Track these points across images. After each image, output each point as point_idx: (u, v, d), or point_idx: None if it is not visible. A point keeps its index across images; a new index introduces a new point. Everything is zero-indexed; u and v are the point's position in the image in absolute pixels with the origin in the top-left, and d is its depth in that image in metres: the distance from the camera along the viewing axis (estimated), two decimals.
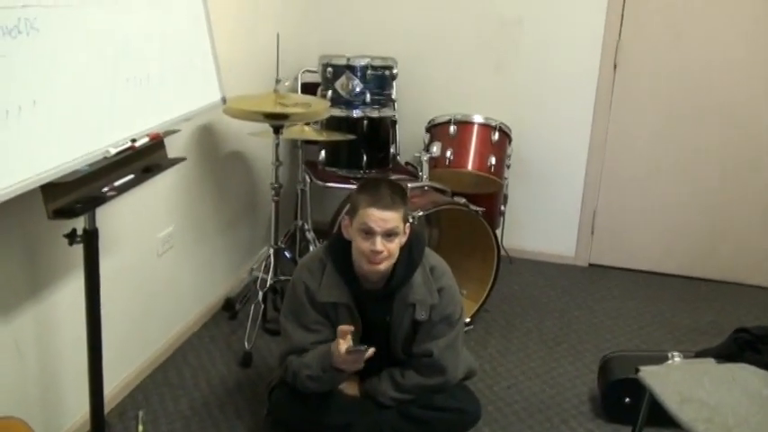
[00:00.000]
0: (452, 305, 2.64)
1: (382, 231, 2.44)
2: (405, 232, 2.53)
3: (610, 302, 4.05)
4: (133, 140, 2.26)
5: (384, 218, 2.43)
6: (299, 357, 2.56)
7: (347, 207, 2.60)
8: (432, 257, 2.68)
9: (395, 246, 2.48)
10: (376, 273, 2.51)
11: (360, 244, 2.48)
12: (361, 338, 2.61)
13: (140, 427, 2.80)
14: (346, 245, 2.55)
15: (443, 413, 2.62)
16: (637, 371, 2.32)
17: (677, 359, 2.72)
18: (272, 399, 2.70)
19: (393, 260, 2.52)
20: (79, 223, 2.21)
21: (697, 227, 4.33)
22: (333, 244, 2.61)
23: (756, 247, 4.27)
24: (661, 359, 2.77)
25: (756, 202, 4.21)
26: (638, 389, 2.38)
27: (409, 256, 2.58)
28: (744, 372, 2.29)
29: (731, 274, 4.33)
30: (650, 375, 2.28)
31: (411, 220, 2.59)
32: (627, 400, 2.92)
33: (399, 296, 2.59)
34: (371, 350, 2.40)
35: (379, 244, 2.44)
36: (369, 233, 2.45)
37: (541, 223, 4.52)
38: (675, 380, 2.25)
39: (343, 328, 2.42)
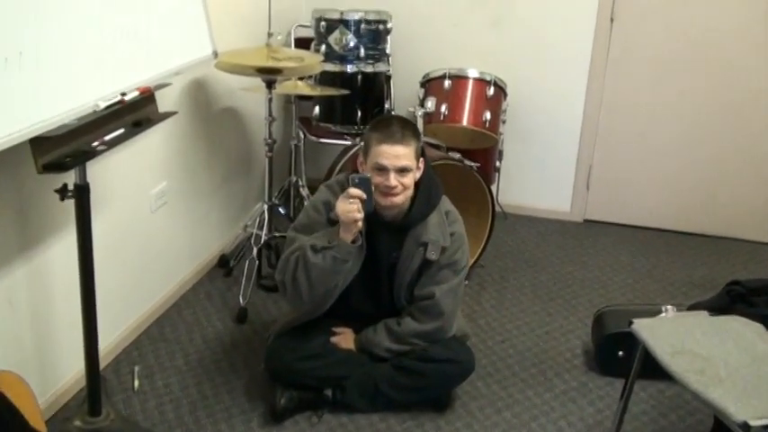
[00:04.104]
0: (461, 252, 2.68)
1: (394, 168, 2.48)
2: (419, 167, 2.58)
3: (604, 257, 4.05)
4: (123, 94, 2.23)
5: (396, 153, 2.47)
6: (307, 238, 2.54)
7: (361, 146, 2.62)
8: (447, 203, 2.72)
9: (408, 180, 2.52)
10: (392, 206, 2.54)
11: (374, 180, 2.50)
12: (367, 279, 2.63)
13: (136, 382, 2.82)
14: None
15: (437, 364, 2.64)
16: (630, 324, 2.32)
17: (670, 312, 2.73)
18: (269, 350, 2.72)
19: (409, 193, 2.56)
20: (70, 178, 2.19)
21: (692, 182, 4.31)
22: (354, 172, 2.61)
23: (750, 202, 4.26)
24: (654, 312, 2.78)
25: (751, 159, 4.19)
26: (631, 342, 2.39)
27: (428, 197, 2.63)
28: (736, 324, 2.30)
29: (725, 229, 4.33)
30: (643, 328, 2.28)
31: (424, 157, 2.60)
32: (620, 353, 2.94)
33: (412, 234, 2.62)
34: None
35: (393, 179, 2.49)
36: (382, 170, 2.48)
37: (537, 179, 4.51)
38: (668, 332, 2.25)
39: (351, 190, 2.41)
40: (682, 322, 2.34)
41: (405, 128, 2.53)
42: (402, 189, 2.52)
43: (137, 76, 2.35)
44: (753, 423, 1.84)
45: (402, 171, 2.50)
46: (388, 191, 2.50)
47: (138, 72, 2.36)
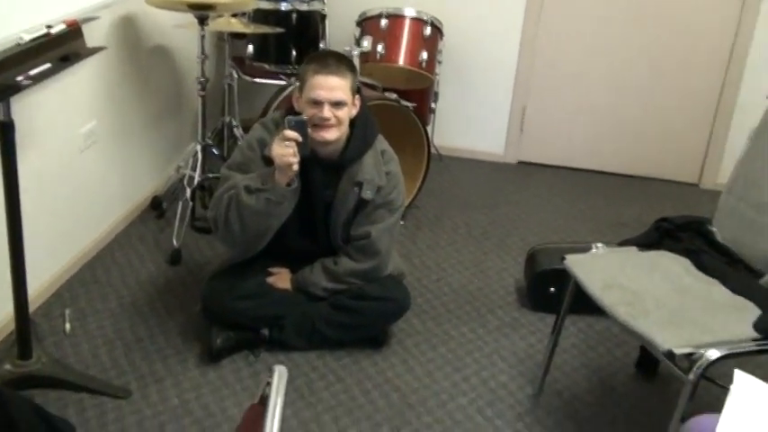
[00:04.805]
0: (396, 192, 2.69)
1: (329, 100, 2.46)
2: (354, 104, 2.57)
3: (537, 198, 4.12)
4: (49, 27, 2.15)
5: (331, 85, 2.45)
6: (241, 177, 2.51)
7: (296, 85, 2.60)
8: (383, 143, 2.71)
9: (343, 114, 2.51)
10: (325, 141, 2.51)
11: (308, 112, 2.48)
12: (303, 218, 2.62)
13: (67, 325, 2.77)
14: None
15: (374, 302, 2.67)
16: (563, 259, 2.38)
17: (601, 249, 2.79)
18: (205, 291, 2.70)
19: (343, 129, 2.54)
20: None
21: (623, 125, 4.39)
22: (289, 110, 2.60)
23: (679, 145, 4.37)
24: (585, 250, 2.83)
25: (680, 103, 4.28)
26: (562, 279, 2.46)
27: (364, 135, 2.62)
28: (663, 258, 2.37)
29: (655, 170, 4.44)
30: (575, 263, 2.34)
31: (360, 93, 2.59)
32: (551, 289, 3.02)
33: (348, 174, 2.61)
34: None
35: (327, 111, 2.46)
36: (317, 103, 2.46)
37: (472, 121, 4.53)
38: (599, 267, 2.32)
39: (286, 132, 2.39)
40: (612, 257, 2.41)
41: (340, 61, 2.52)
42: (336, 122, 2.49)
43: (63, 8, 2.27)
44: (677, 351, 1.92)
45: (337, 104, 2.48)
46: (322, 122, 2.48)
47: (64, 4, 2.28)
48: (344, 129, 2.55)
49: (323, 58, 2.54)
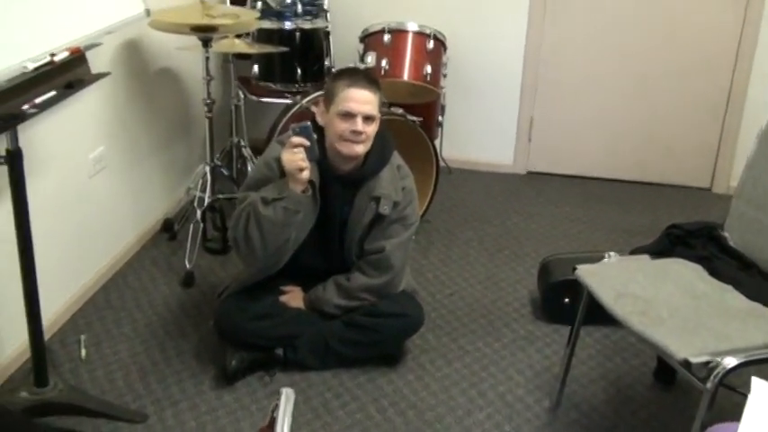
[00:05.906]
0: (411, 207, 2.70)
1: (362, 113, 2.48)
2: (377, 121, 2.58)
3: (548, 208, 4.10)
4: (53, 55, 2.16)
5: (364, 98, 2.49)
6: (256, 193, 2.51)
7: (323, 93, 2.64)
8: (399, 158, 2.72)
9: (372, 130, 2.53)
10: (355, 156, 2.53)
11: (338, 126, 2.50)
12: (318, 234, 2.62)
13: (83, 351, 2.77)
14: (319, 129, 2.56)
15: (387, 319, 2.66)
16: (574, 270, 2.36)
17: (613, 258, 2.77)
18: (220, 310, 2.69)
19: (369, 144, 2.56)
20: (1, 143, 2.12)
21: (631, 131, 4.38)
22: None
23: (690, 148, 4.34)
24: (597, 259, 2.81)
25: (689, 104, 4.26)
26: (576, 289, 2.43)
27: (382, 150, 2.63)
28: (676, 265, 2.35)
29: (666, 176, 4.42)
30: (587, 273, 2.32)
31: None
32: (566, 300, 3.00)
33: (365, 189, 2.62)
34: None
35: (360, 124, 2.48)
36: (348, 116, 2.48)
37: (479, 132, 4.52)
38: (611, 276, 2.30)
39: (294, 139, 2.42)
40: (624, 266, 2.39)
41: (370, 77, 2.59)
42: (365, 138, 2.51)
43: (66, 36, 2.28)
44: (693, 360, 1.89)
45: (368, 119, 2.50)
46: (354, 137, 2.49)
47: (67, 32, 2.29)
48: (370, 144, 2.57)
49: (354, 73, 2.59)
